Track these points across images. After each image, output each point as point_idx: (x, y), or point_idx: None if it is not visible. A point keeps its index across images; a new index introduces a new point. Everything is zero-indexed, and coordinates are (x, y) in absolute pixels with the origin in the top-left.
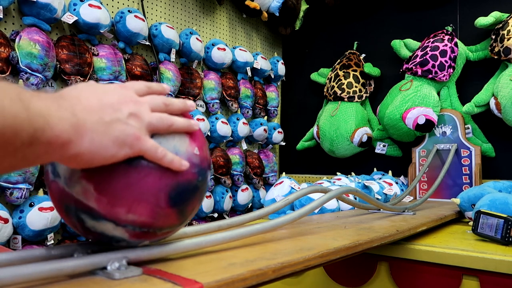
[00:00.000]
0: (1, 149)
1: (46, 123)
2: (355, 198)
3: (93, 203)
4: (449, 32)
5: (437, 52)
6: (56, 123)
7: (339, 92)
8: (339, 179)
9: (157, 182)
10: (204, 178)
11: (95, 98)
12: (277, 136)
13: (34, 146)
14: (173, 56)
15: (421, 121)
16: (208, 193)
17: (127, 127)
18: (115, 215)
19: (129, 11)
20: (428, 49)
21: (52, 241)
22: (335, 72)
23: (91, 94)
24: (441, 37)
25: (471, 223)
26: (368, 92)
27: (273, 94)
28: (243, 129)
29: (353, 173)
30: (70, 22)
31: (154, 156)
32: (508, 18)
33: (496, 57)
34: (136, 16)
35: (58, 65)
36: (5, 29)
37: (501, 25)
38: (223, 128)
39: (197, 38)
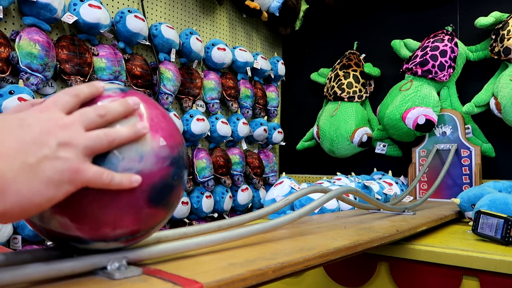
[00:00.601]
0: None
1: None
2: (355, 198)
3: (75, 232)
4: (449, 32)
5: (437, 52)
6: None
7: (339, 92)
8: (339, 179)
9: (131, 193)
10: (179, 165)
11: (12, 138)
12: (277, 136)
13: None
14: (173, 56)
15: (421, 121)
16: (208, 193)
17: (59, 162)
18: (102, 236)
19: (129, 11)
20: (428, 49)
21: None
22: (335, 72)
23: (6, 134)
24: (441, 37)
25: (471, 223)
26: (368, 92)
27: (273, 94)
28: (243, 129)
29: (353, 173)
30: (70, 22)
31: (100, 183)
32: (508, 18)
33: (496, 57)
34: (136, 16)
35: (58, 65)
36: (5, 29)
37: (501, 25)
38: (223, 128)
39: (197, 38)
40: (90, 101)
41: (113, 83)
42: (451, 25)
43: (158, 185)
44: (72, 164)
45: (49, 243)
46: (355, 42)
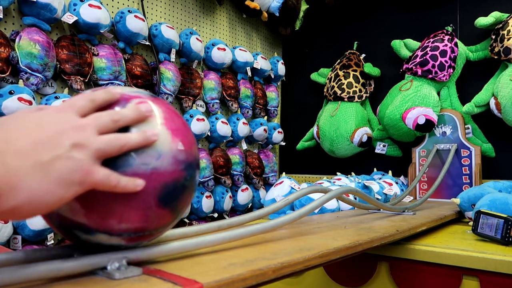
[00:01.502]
0: None
1: None
2: (355, 198)
3: (82, 219)
4: (449, 32)
5: (437, 52)
6: None
7: (339, 92)
8: (339, 179)
9: (144, 189)
10: (192, 173)
11: (28, 136)
12: (277, 136)
13: None
14: (173, 56)
15: (421, 121)
16: (208, 193)
17: (72, 162)
18: (107, 227)
19: (129, 11)
20: (428, 49)
21: (52, 241)
22: (335, 72)
23: (23, 132)
24: (441, 37)
25: (471, 223)
26: (368, 92)
27: (273, 94)
28: (243, 129)
29: (353, 173)
30: (70, 22)
31: (108, 186)
32: (508, 18)
33: (496, 57)
34: (136, 16)
35: (58, 65)
36: (5, 29)
37: (501, 25)
38: (223, 128)
39: (197, 38)
40: (108, 106)
41: (113, 83)
42: (451, 25)
43: (170, 185)
44: (83, 165)
45: (49, 243)
46: (355, 42)
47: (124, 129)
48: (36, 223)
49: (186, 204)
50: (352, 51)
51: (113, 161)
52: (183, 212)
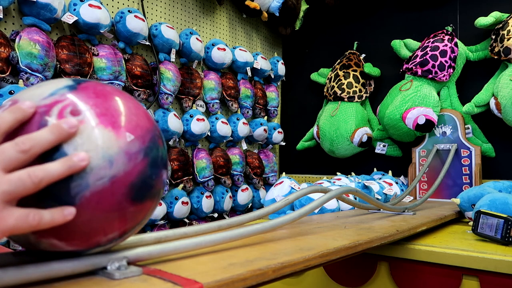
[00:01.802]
0: None
1: None
2: (355, 198)
3: (67, 247)
4: (449, 32)
5: (437, 52)
6: None
7: (339, 92)
8: (339, 179)
9: (112, 199)
10: (155, 153)
11: None
12: (277, 136)
13: None
14: (173, 56)
15: (421, 121)
16: (208, 193)
17: None
18: (96, 244)
19: (129, 11)
20: (428, 49)
21: None
22: (335, 72)
23: None
24: (441, 37)
25: (471, 223)
26: (368, 92)
27: (273, 94)
28: (243, 129)
29: (353, 173)
30: (70, 22)
31: (28, 227)
32: (508, 18)
33: (496, 57)
34: (136, 16)
35: (58, 65)
36: (5, 29)
37: (501, 25)
38: (223, 128)
39: (197, 38)
40: (26, 124)
41: (113, 83)
42: (451, 25)
43: (137, 183)
44: None
45: None
46: (355, 42)
47: (56, 147)
48: None
49: (162, 184)
50: (352, 51)
51: (63, 189)
52: (162, 190)
